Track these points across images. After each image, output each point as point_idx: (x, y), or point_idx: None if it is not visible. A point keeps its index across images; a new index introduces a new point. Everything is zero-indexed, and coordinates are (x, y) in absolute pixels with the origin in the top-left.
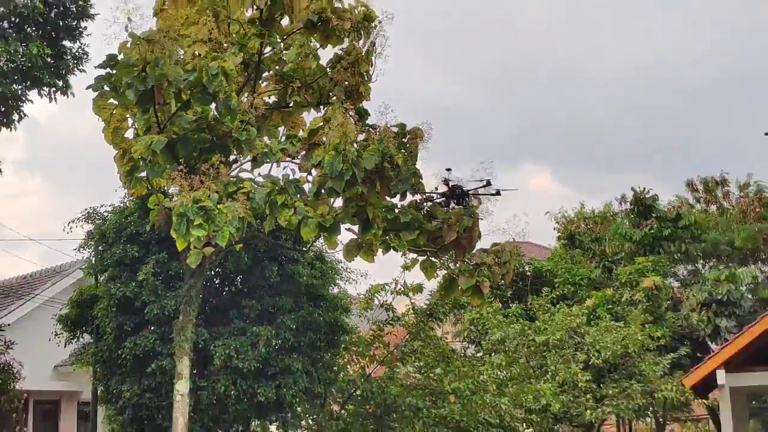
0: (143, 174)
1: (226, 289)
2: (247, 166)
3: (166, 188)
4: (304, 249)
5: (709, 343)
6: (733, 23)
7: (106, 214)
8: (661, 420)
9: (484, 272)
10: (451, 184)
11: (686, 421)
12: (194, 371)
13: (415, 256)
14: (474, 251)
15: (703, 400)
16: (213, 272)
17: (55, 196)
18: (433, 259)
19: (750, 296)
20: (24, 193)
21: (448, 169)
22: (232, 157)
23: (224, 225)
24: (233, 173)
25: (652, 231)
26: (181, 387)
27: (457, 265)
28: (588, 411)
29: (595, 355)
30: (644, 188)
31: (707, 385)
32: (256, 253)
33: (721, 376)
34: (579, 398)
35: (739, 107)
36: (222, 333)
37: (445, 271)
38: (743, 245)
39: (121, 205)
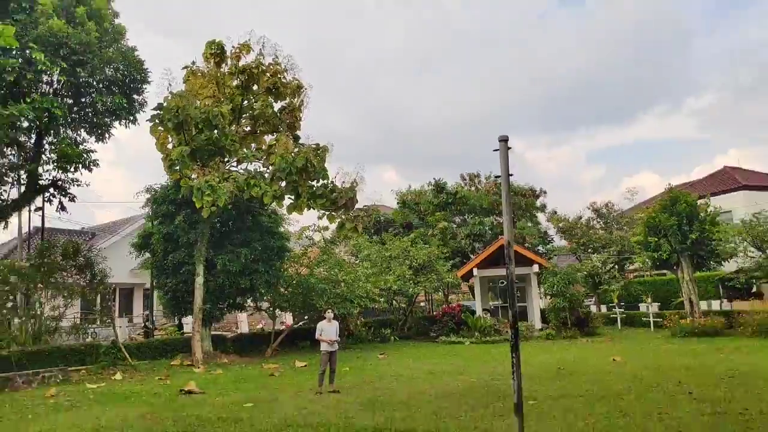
0: (177, 167)
1: (223, 229)
2: (234, 164)
3: (190, 175)
4: (265, 207)
5: (471, 255)
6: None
7: (157, 188)
8: (446, 292)
9: (360, 220)
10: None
11: (457, 293)
12: (206, 273)
13: (324, 212)
14: (354, 209)
15: (466, 283)
16: (216, 220)
17: (130, 181)
18: (333, 213)
19: (490, 232)
20: (113, 179)
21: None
22: (226, 159)
23: (222, 194)
24: (227, 168)
25: (443, 199)
26: (199, 280)
27: (345, 216)
28: (410, 289)
29: (415, 262)
30: (440, 178)
31: (468, 275)
32: (239, 209)
33: (475, 271)
34: (406, 283)
35: (489, 135)
36: (221, 252)
37: (339, 220)
38: (487, 206)
39: (166, 183)
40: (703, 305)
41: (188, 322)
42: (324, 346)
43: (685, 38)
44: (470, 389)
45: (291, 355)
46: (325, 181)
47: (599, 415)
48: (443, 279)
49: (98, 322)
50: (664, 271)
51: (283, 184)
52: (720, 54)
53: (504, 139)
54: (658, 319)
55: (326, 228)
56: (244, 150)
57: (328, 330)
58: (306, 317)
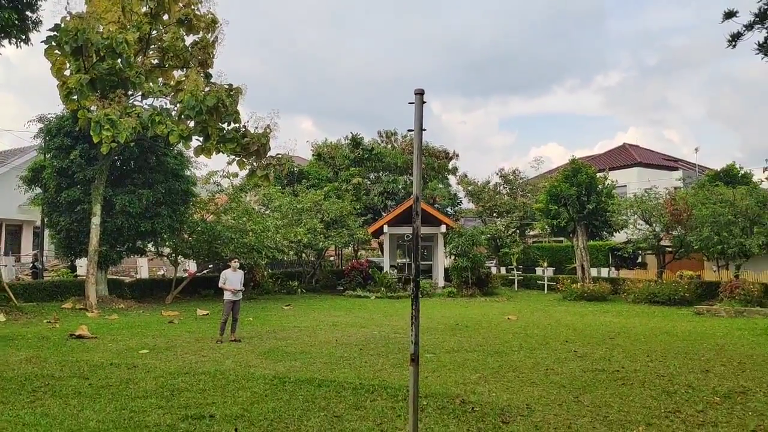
0: (75, 97)
1: (124, 167)
2: (139, 99)
3: (89, 107)
4: (170, 148)
5: (382, 212)
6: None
7: (52, 118)
8: (356, 248)
9: (271, 169)
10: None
11: (367, 249)
12: (104, 213)
13: (234, 157)
14: (267, 157)
15: (376, 239)
16: (116, 157)
17: (21, 107)
18: (243, 160)
19: (403, 191)
20: (1, 104)
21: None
22: (130, 93)
23: (123, 130)
24: (130, 102)
25: (359, 155)
26: (96, 220)
27: (257, 163)
28: (321, 243)
29: (327, 216)
30: (357, 133)
31: (378, 232)
32: (142, 148)
33: (386, 228)
34: (317, 236)
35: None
36: (121, 192)
37: (250, 167)
38: (402, 165)
39: (62, 114)
40: (594, 272)
41: (82, 264)
42: (227, 295)
43: (600, 17)
44: (370, 341)
45: (192, 303)
46: (237, 125)
47: (491, 368)
48: (354, 234)
49: None
50: (561, 238)
51: (192, 123)
52: (631, 35)
53: (420, 92)
54: (552, 283)
55: (235, 175)
56: (150, 84)
57: (232, 279)
58: (210, 266)
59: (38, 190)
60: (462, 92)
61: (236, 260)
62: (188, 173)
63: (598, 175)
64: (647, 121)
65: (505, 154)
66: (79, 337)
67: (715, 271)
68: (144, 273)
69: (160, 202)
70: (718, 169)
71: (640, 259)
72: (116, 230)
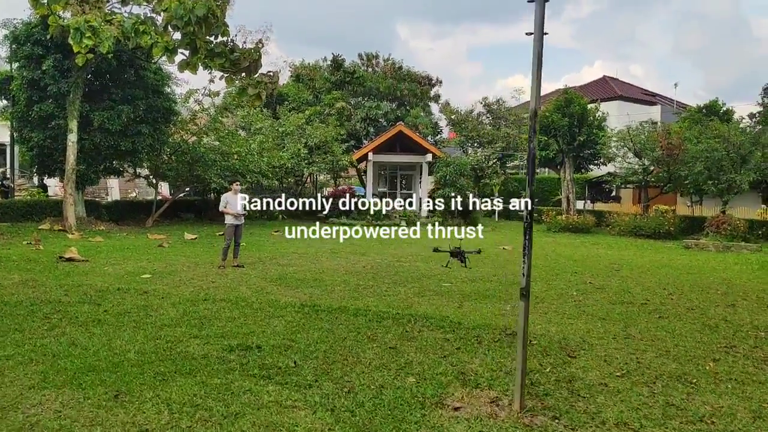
0: (44, 1)
1: (100, 81)
2: (118, 6)
3: (61, 12)
4: (150, 62)
5: (364, 140)
6: None
7: (18, 24)
8: (335, 175)
9: (264, 87)
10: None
11: (343, 177)
12: (80, 130)
13: (221, 73)
14: (258, 74)
15: (353, 167)
16: (91, 70)
17: None
18: (233, 76)
19: (384, 118)
20: None
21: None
22: None
23: (105, 39)
24: (108, 8)
25: (340, 77)
26: (72, 137)
27: (248, 81)
28: (305, 169)
29: (311, 140)
30: (339, 54)
31: (363, 159)
32: (120, 61)
33: (371, 156)
34: (300, 162)
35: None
36: (98, 107)
37: (240, 84)
38: (384, 90)
39: (29, 19)
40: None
41: (53, 183)
42: (229, 219)
43: None
44: (378, 269)
45: (175, 226)
46: (225, 39)
47: (515, 300)
48: (339, 161)
49: None
50: (545, 169)
51: (178, 35)
52: None
53: None
54: (534, 215)
55: (216, 93)
56: None
57: (233, 202)
58: (187, 188)
59: (5, 103)
60: (433, 18)
61: (238, 183)
62: (168, 90)
63: (589, 106)
64: (615, 56)
65: (472, 85)
66: (69, 259)
67: (689, 207)
68: (115, 195)
69: (140, 119)
70: (701, 105)
71: (614, 193)
72: (94, 148)
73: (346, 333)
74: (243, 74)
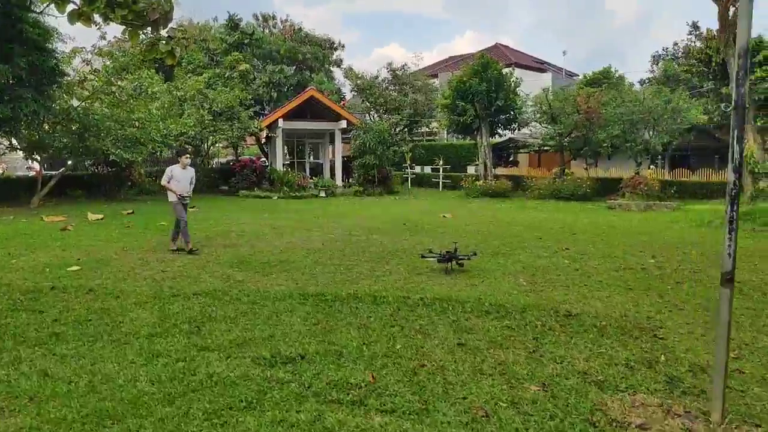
0: None
1: None
2: None
3: None
4: (30, 12)
5: (266, 106)
6: None
7: None
8: (236, 145)
9: (177, 42)
10: None
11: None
12: None
13: (125, 27)
14: (168, 28)
15: (261, 134)
16: None
17: None
18: (138, 31)
19: (287, 81)
20: None
21: None
22: None
23: None
24: None
25: (238, 38)
26: None
27: (157, 36)
28: (210, 137)
29: (216, 106)
30: (236, 13)
31: (272, 126)
32: None
33: (280, 122)
34: (205, 129)
35: None
36: None
37: (148, 39)
38: (284, 53)
39: None
40: (472, 170)
41: None
42: (173, 197)
43: None
44: (338, 245)
45: (67, 206)
46: None
47: (517, 271)
48: (247, 128)
49: None
50: (456, 136)
51: None
52: None
53: None
54: (447, 181)
55: (109, 53)
56: None
57: (181, 177)
58: (69, 162)
59: None
60: None
61: (188, 155)
62: (52, 47)
63: (505, 71)
64: (483, 27)
65: (349, 53)
66: None
67: (585, 169)
68: None
69: (21, 81)
70: (596, 72)
71: (512, 158)
72: None
73: (387, 328)
74: (149, 28)
